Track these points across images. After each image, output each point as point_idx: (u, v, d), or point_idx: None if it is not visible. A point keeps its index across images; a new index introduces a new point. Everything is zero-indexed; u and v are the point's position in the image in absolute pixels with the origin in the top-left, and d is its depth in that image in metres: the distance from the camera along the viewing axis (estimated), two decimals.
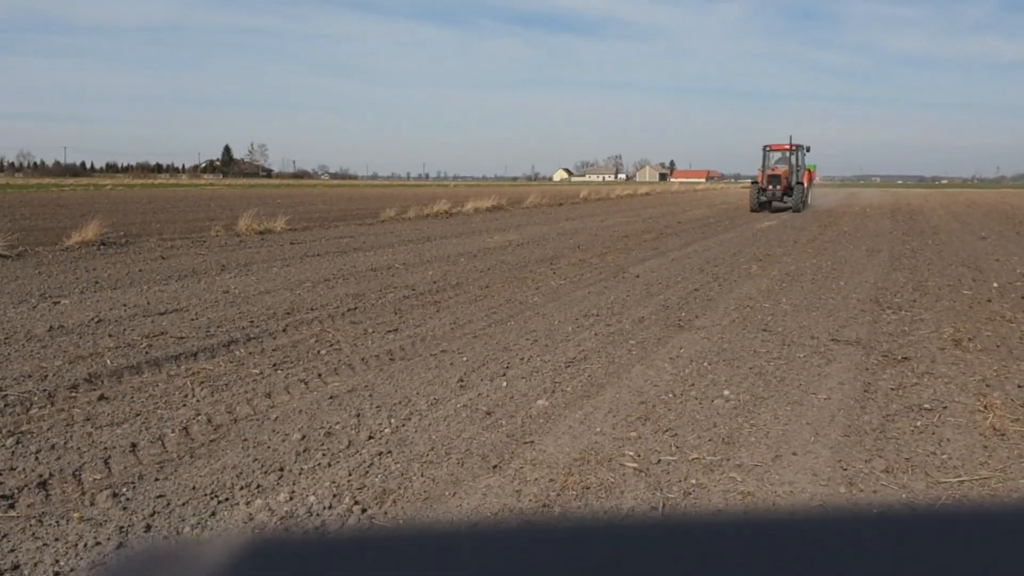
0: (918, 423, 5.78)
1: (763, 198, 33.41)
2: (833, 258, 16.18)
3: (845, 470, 4.88)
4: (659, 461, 5.02)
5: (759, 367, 7.32)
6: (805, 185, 35.03)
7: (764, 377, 6.98)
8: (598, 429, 5.62)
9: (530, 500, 4.43)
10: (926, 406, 6.16)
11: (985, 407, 6.10)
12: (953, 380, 6.91)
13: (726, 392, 6.49)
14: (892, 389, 6.65)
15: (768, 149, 35.40)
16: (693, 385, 6.72)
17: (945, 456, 5.13)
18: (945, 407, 6.14)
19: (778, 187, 33.06)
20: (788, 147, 34.94)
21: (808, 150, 35.80)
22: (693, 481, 4.71)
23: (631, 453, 5.15)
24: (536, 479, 4.73)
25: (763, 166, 35.01)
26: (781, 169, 34.05)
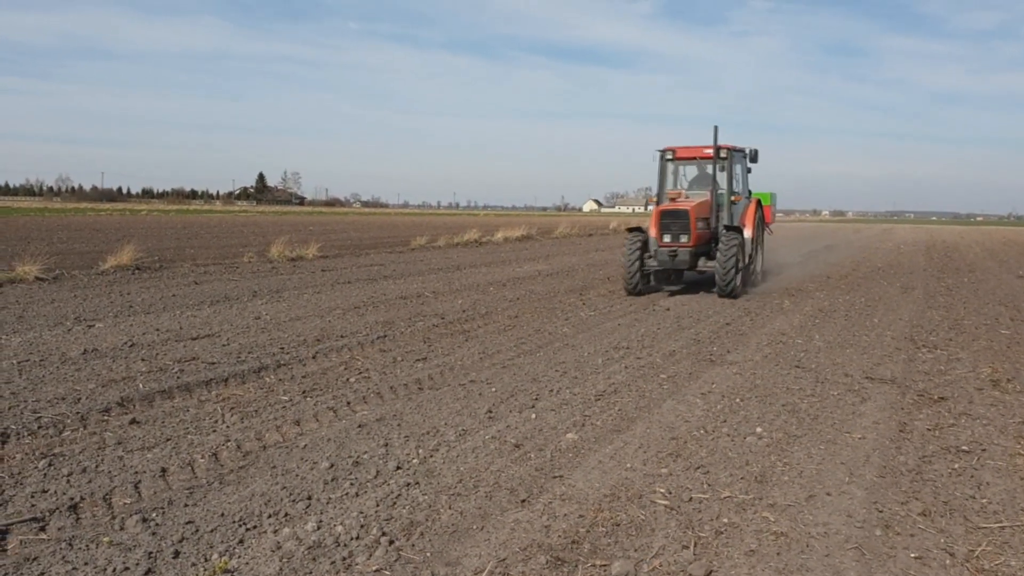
0: (956, 465, 5.65)
1: (652, 262, 15.93)
2: (867, 295, 15.99)
3: (881, 512, 4.77)
4: (691, 499, 4.95)
5: (792, 404, 7.21)
6: (749, 233, 16.69)
7: (797, 415, 6.88)
8: (628, 465, 5.55)
9: (559, 536, 4.37)
10: (964, 448, 6.02)
11: None
12: (992, 422, 6.76)
13: (758, 429, 6.39)
14: (928, 430, 6.51)
15: (671, 158, 17.16)
16: (725, 421, 6.63)
17: (985, 500, 5.00)
18: (984, 449, 6.00)
19: (684, 236, 15.48)
20: (710, 153, 16.52)
21: (754, 158, 17.46)
22: (725, 520, 4.62)
23: (662, 490, 5.08)
24: (565, 514, 4.67)
25: (658, 192, 17.31)
26: (692, 200, 16.13)
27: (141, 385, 7.50)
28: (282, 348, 9.39)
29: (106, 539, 4.27)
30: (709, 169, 16.82)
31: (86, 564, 4.00)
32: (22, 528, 4.41)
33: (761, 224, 18.65)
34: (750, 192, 18.03)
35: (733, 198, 16.66)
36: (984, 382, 8.24)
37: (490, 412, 6.87)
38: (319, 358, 8.95)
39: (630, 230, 16.51)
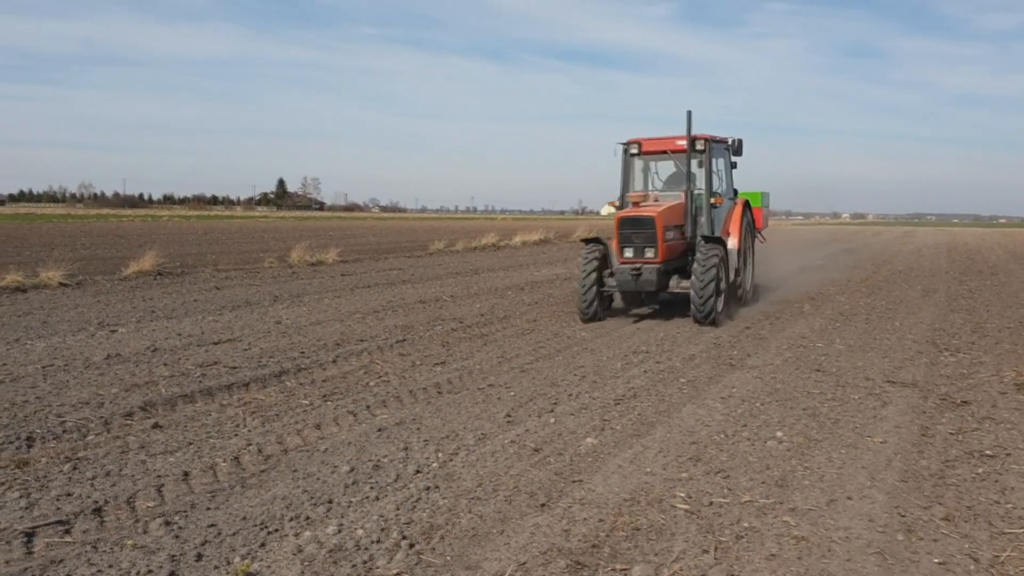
0: (979, 470, 5.60)
1: (611, 281, 12.92)
2: (888, 298, 15.88)
3: (903, 517, 4.74)
4: (711, 503, 4.93)
5: (812, 408, 7.17)
6: (735, 243, 13.77)
7: (818, 419, 6.84)
8: (648, 469, 5.54)
9: (579, 540, 4.37)
10: (988, 452, 5.97)
11: None
12: (1016, 426, 6.69)
13: (779, 433, 6.36)
14: (951, 434, 6.46)
15: (637, 152, 13.98)
16: (745, 426, 6.61)
17: (1009, 505, 4.96)
18: (1008, 454, 5.95)
19: (649, 250, 12.56)
20: (683, 145, 13.26)
21: (738, 149, 14.59)
22: (746, 524, 4.61)
23: (682, 494, 5.07)
24: (585, 519, 4.67)
25: (622, 195, 14.12)
26: (661, 204, 13.06)
27: (163, 389, 7.57)
28: (302, 352, 9.45)
29: (130, 542, 4.32)
30: (680, 161, 13.60)
31: (110, 566, 4.05)
32: (48, 530, 4.46)
33: (750, 231, 15.20)
34: (736, 192, 14.81)
35: (714, 200, 13.50)
36: (1008, 386, 8.16)
37: (509, 416, 6.88)
38: (339, 362, 9.00)
39: (586, 241, 13.56)
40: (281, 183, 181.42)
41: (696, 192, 13.45)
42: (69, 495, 4.98)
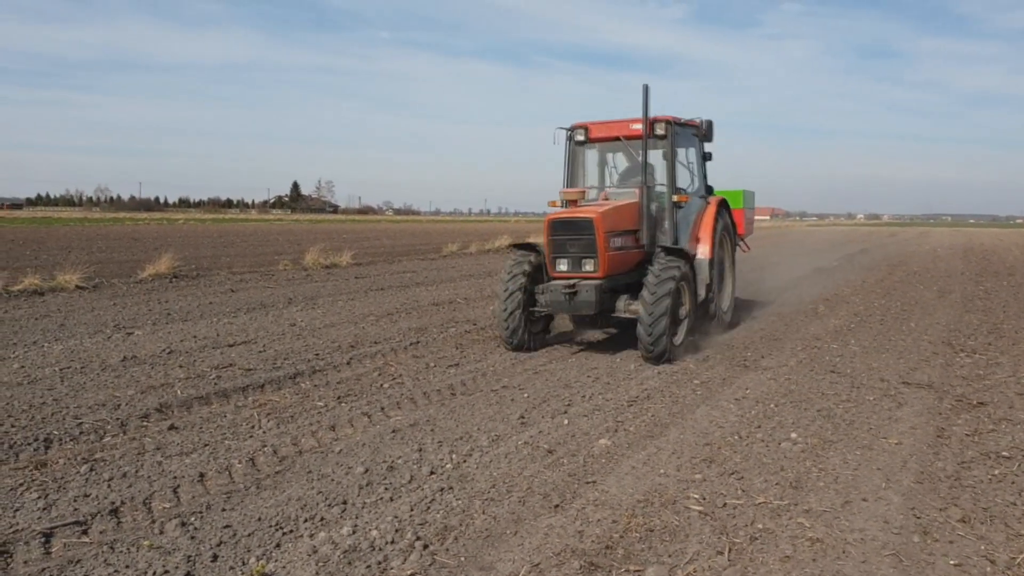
0: (996, 471, 5.56)
1: (544, 298, 9.90)
2: (903, 299, 15.78)
3: (919, 518, 4.71)
4: (725, 504, 4.92)
5: (827, 409, 7.15)
6: (706, 253, 11.27)
7: (832, 420, 6.81)
8: (662, 470, 5.54)
9: (593, 541, 4.38)
10: (1004, 454, 5.93)
11: None
12: None
13: (793, 435, 6.34)
14: (967, 435, 6.42)
15: (583, 139, 11.41)
16: (759, 427, 6.59)
17: None
18: None
19: (588, 263, 9.78)
20: (638, 130, 10.60)
21: (708, 134, 11.81)
22: (760, 526, 4.60)
23: (696, 495, 5.06)
24: (599, 520, 4.68)
25: (564, 196, 10.55)
26: (606, 204, 10.43)
27: (179, 391, 7.63)
28: (317, 354, 9.49)
29: (146, 542, 4.35)
30: (635, 146, 10.96)
31: (127, 567, 4.08)
32: (65, 531, 4.50)
33: (728, 237, 12.54)
34: (710, 189, 12.16)
35: (678, 198, 10.76)
36: None
37: (523, 418, 6.89)
38: (353, 364, 9.03)
39: (517, 247, 10.86)
40: (295, 186, 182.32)
41: (658, 188, 10.93)
42: (86, 496, 5.03)
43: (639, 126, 10.43)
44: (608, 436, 6.35)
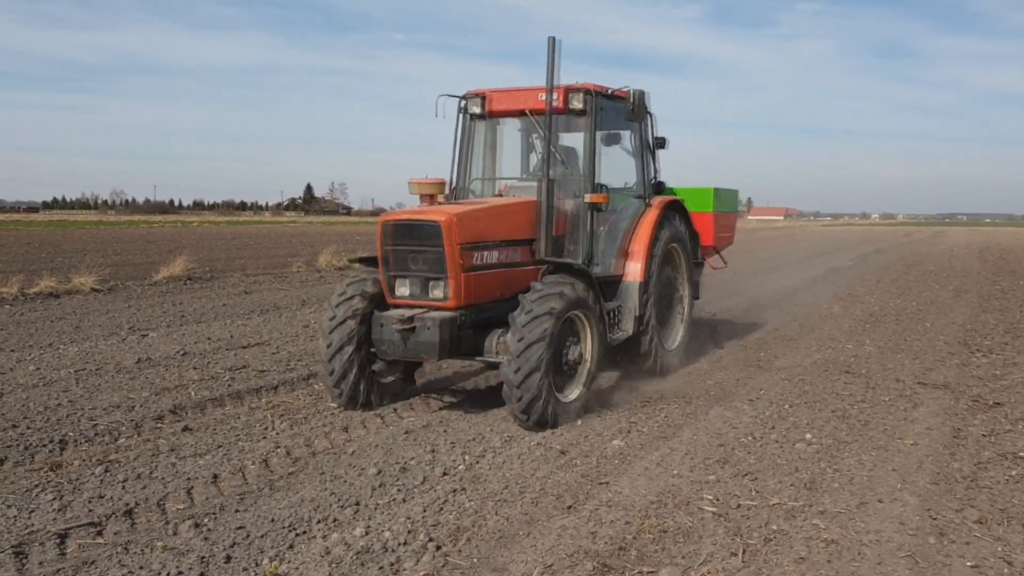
0: (1013, 472, 5.51)
1: (375, 334, 7.02)
2: (918, 298, 15.67)
3: (935, 519, 4.68)
4: (739, 505, 4.90)
5: (842, 410, 7.10)
6: (640, 272, 8.29)
7: (847, 420, 6.77)
8: (675, 471, 5.51)
9: (606, 542, 4.36)
10: (1021, 454, 5.88)
11: None
12: None
13: (808, 435, 6.30)
14: (984, 436, 6.37)
15: (480, 112, 8.36)
16: (773, 428, 6.55)
17: None
18: None
19: (437, 286, 6.88)
20: (543, 102, 7.50)
21: (636, 109, 8.19)
22: (774, 527, 4.57)
23: (710, 497, 5.04)
24: (612, 521, 4.66)
25: (455, 182, 8.53)
26: (467, 204, 7.62)
27: (193, 393, 7.66)
28: None
29: (160, 543, 4.37)
30: (545, 134, 7.55)
31: (141, 568, 4.10)
32: (80, 532, 4.53)
33: (683, 252, 9.40)
34: (661, 186, 9.19)
35: (592, 198, 7.81)
36: None
37: None
38: None
39: (362, 260, 8.37)
40: (308, 188, 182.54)
41: (570, 182, 8.16)
42: (101, 497, 5.05)
43: (545, 96, 7.46)
44: (621, 437, 6.33)
